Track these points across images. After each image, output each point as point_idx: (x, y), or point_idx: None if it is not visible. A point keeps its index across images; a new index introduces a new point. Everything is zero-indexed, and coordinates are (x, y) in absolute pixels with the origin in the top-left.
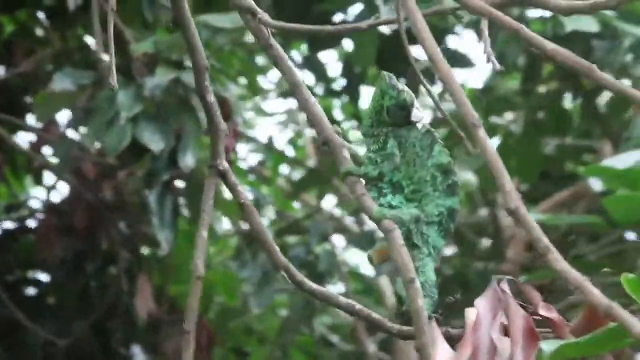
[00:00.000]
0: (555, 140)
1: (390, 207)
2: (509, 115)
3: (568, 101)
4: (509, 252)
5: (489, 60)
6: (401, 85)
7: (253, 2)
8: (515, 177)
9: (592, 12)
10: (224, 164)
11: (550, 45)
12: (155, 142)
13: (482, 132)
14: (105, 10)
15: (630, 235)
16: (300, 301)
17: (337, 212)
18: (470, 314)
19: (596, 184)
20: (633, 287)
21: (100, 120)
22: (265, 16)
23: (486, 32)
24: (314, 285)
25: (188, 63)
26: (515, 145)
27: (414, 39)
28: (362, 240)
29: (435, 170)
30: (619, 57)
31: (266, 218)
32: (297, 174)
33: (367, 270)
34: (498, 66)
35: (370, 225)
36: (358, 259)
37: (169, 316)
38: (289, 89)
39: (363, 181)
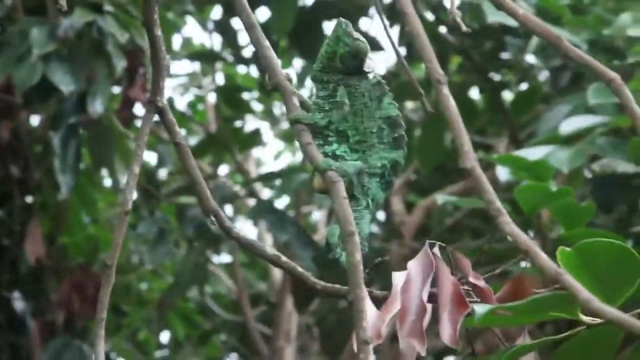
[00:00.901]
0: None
1: (335, 156)
2: (409, 105)
3: (474, 95)
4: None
5: (454, 20)
6: (356, 34)
7: None
8: (413, 165)
9: None
10: (163, 101)
11: (520, 11)
12: (65, 83)
13: (445, 90)
14: None
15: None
16: (192, 264)
17: (231, 181)
18: (397, 276)
19: (503, 174)
20: (566, 260)
21: (10, 55)
22: None
23: None
24: (241, 233)
25: (107, 8)
26: (418, 135)
27: (330, 15)
28: (255, 211)
29: (383, 122)
30: (525, 57)
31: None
32: (194, 140)
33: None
34: (464, 27)
35: (264, 196)
36: (246, 232)
37: (56, 265)
38: (245, 29)
39: (309, 130)
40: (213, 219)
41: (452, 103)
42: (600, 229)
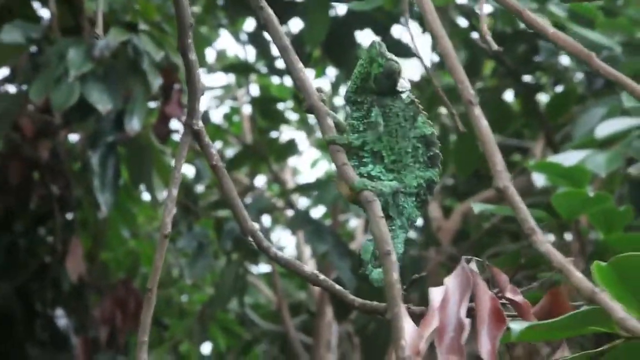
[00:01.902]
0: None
1: (370, 176)
2: (444, 110)
3: (509, 98)
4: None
5: (484, 39)
6: (389, 54)
7: None
8: (450, 171)
9: None
10: (199, 124)
11: (551, 30)
12: (103, 102)
13: (477, 110)
14: None
15: (568, 237)
16: (232, 276)
17: (268, 191)
18: (435, 292)
19: (539, 180)
20: (603, 276)
21: (48, 77)
22: None
23: (483, 10)
24: (279, 252)
25: (142, 27)
26: (454, 140)
27: (362, 25)
28: (293, 222)
29: (418, 141)
30: (559, 59)
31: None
32: (230, 151)
33: (292, 252)
34: (495, 46)
35: (302, 206)
36: (284, 241)
37: (98, 281)
38: (279, 51)
39: (344, 150)
40: (251, 239)
41: (484, 123)
42: (639, 231)
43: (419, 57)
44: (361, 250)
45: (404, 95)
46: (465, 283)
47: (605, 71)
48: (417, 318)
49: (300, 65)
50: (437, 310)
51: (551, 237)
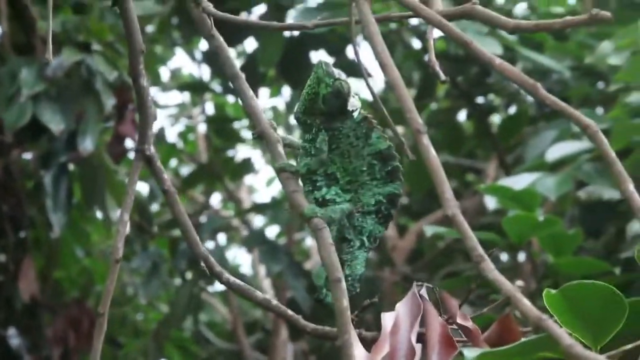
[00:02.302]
0: (441, 157)
1: (324, 200)
2: (399, 129)
3: (461, 119)
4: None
5: (433, 69)
6: (338, 73)
7: None
8: (405, 190)
9: (536, 31)
10: (151, 149)
11: (497, 60)
12: (55, 122)
13: (426, 139)
14: None
15: (521, 256)
16: (187, 295)
17: (224, 210)
18: (387, 317)
19: (491, 203)
20: (552, 303)
21: (0, 96)
22: (210, 6)
23: (431, 42)
24: (231, 278)
25: (95, 47)
26: (407, 161)
27: (316, 46)
28: (248, 241)
29: (373, 158)
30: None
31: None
32: (186, 169)
33: (247, 270)
34: (443, 76)
35: (258, 224)
36: (240, 259)
37: (51, 300)
38: (230, 79)
39: (295, 177)
40: (203, 264)
41: (432, 152)
42: (589, 254)
43: (366, 81)
44: (314, 276)
45: (355, 114)
46: (416, 309)
47: (550, 101)
48: (369, 343)
49: (251, 93)
50: (388, 335)
51: (504, 257)
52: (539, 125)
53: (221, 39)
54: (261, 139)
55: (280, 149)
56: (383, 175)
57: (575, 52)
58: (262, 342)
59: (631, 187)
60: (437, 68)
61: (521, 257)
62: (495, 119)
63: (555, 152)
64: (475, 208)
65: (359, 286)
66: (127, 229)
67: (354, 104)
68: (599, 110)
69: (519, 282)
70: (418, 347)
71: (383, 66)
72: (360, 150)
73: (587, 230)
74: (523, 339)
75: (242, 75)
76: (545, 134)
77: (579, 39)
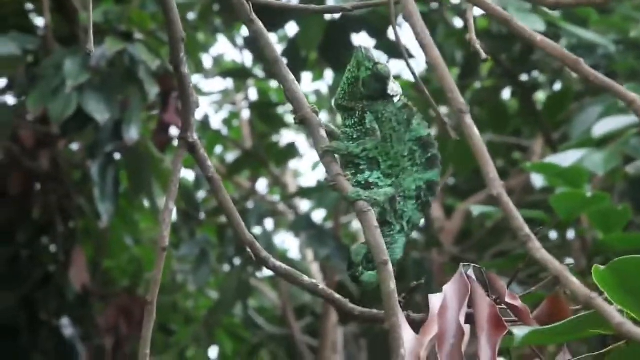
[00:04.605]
0: (486, 136)
1: (368, 184)
2: (443, 110)
3: (505, 97)
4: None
5: (474, 48)
6: (377, 57)
7: None
8: (448, 171)
9: (577, 6)
10: (194, 137)
11: (539, 37)
12: (100, 112)
13: (469, 119)
14: None
15: (570, 234)
16: (235, 281)
17: (269, 195)
18: (434, 299)
19: (538, 181)
20: (602, 279)
21: (45, 88)
22: None
23: (471, 21)
24: (277, 263)
25: (137, 36)
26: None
27: (358, 28)
28: (294, 226)
29: (414, 144)
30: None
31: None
32: (231, 155)
33: (295, 254)
34: (484, 55)
35: (304, 208)
36: (288, 244)
37: (102, 289)
38: (270, 64)
39: (338, 160)
40: (249, 250)
41: (475, 132)
42: (639, 229)
43: (407, 62)
44: (353, 253)
45: (395, 99)
46: (464, 290)
47: (593, 77)
48: (418, 325)
49: (292, 77)
50: (436, 317)
51: (553, 235)
52: (585, 101)
53: (260, 23)
54: (303, 124)
55: (323, 132)
56: (423, 162)
57: (620, 25)
58: (312, 326)
59: None
60: (478, 46)
61: (570, 234)
62: (540, 96)
63: (601, 127)
64: (522, 186)
65: (396, 270)
66: (174, 216)
67: (394, 89)
68: None
69: (569, 260)
70: (467, 328)
71: (423, 46)
72: (402, 136)
73: (636, 205)
74: (573, 317)
75: (283, 60)
76: (591, 110)
77: (624, 12)
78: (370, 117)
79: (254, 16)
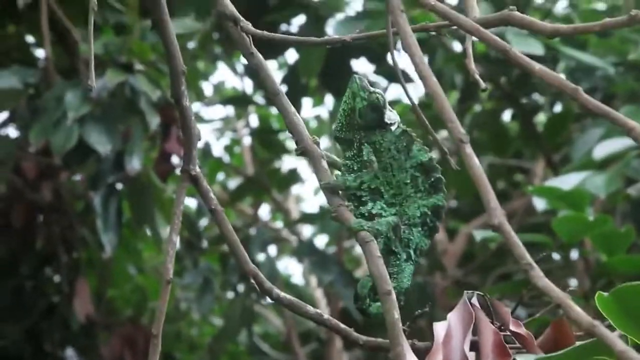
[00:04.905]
0: (487, 159)
1: (371, 215)
2: (444, 133)
3: (505, 119)
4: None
5: (473, 78)
6: (372, 87)
7: (236, 10)
8: (450, 194)
9: (574, 35)
10: (197, 169)
11: (537, 66)
12: (102, 143)
13: (468, 149)
14: (52, 9)
15: (574, 254)
16: (240, 308)
17: (272, 221)
18: (438, 327)
19: (540, 204)
20: (605, 306)
21: (47, 120)
22: (248, 25)
23: (470, 50)
24: (282, 294)
25: (137, 67)
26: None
27: (357, 54)
28: (298, 252)
29: (415, 170)
30: None
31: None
32: (233, 182)
33: (299, 280)
34: (483, 85)
35: (307, 234)
36: (291, 269)
37: (106, 319)
38: (270, 97)
39: (340, 192)
40: (253, 281)
41: (475, 162)
42: None
43: (405, 90)
44: (359, 286)
45: (393, 127)
46: (468, 317)
47: (592, 105)
48: (422, 354)
49: (293, 109)
50: (441, 345)
51: (556, 256)
52: (585, 123)
53: (260, 56)
54: (304, 155)
55: (324, 164)
56: (426, 187)
57: (619, 47)
58: (317, 352)
59: None
60: (477, 77)
61: (574, 254)
62: (541, 118)
63: (602, 149)
64: (524, 208)
65: (403, 299)
66: (177, 246)
67: (391, 117)
68: None
69: (573, 282)
70: (471, 356)
71: (422, 78)
72: (402, 163)
73: (638, 226)
74: (577, 343)
75: (283, 92)
76: (591, 132)
77: (622, 35)
78: (367, 148)
79: (254, 49)
